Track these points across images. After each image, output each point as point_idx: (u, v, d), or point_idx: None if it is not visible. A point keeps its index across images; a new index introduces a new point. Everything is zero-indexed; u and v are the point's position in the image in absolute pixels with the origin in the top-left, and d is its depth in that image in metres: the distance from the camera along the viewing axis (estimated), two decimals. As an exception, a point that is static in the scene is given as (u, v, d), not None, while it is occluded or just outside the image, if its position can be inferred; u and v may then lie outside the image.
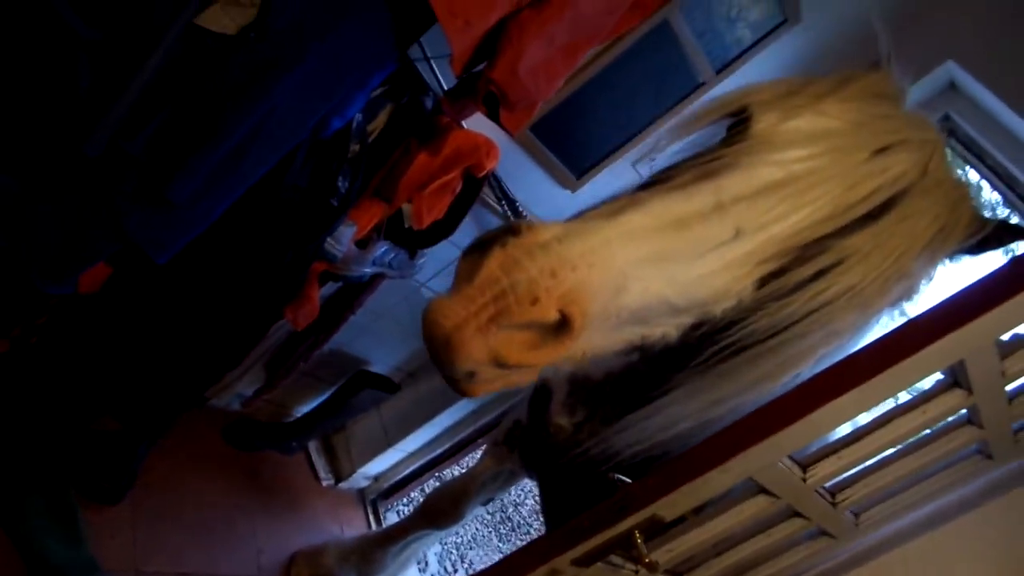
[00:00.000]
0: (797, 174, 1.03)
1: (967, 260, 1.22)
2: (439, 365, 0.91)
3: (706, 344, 1.07)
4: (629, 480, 1.40)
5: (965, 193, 1.12)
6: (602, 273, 0.91)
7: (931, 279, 1.21)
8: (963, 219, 1.10)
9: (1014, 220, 2.91)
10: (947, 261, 1.18)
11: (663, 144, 1.21)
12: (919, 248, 1.07)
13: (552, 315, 0.87)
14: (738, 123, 1.12)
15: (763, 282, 1.04)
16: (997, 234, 1.14)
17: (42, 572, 2.15)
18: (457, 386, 0.94)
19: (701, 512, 1.58)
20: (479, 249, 0.91)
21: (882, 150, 1.07)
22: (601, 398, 1.59)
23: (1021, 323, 1.19)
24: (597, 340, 0.98)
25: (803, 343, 1.07)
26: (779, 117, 1.08)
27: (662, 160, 1.19)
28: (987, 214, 1.16)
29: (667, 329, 1.05)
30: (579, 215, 1.02)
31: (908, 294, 1.22)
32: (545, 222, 0.95)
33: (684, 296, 1.01)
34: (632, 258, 0.94)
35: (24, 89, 1.42)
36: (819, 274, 1.03)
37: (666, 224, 0.98)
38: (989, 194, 2.90)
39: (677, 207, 1.00)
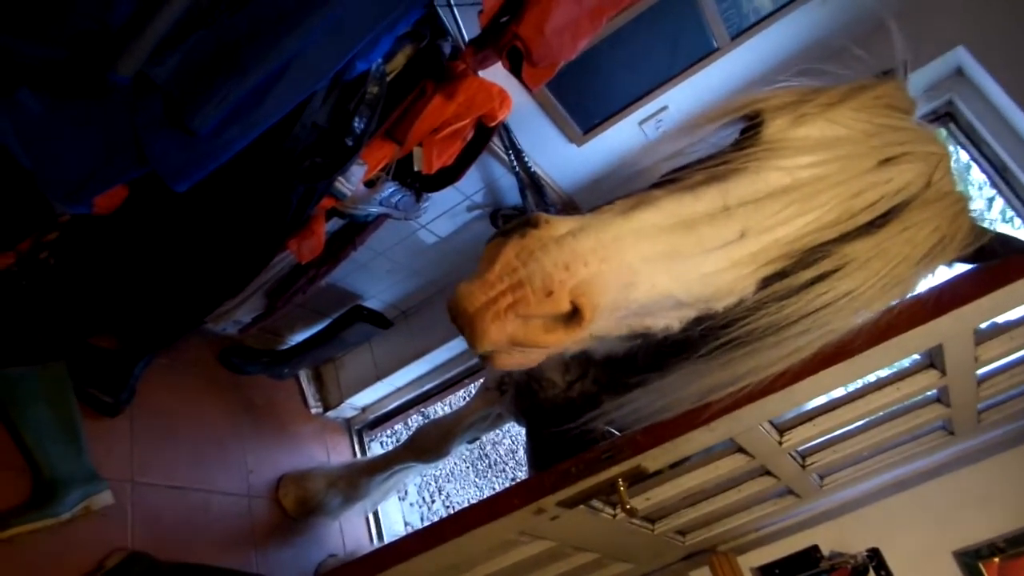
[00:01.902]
0: (803, 180, 1.07)
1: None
2: (466, 341, 0.99)
3: (707, 338, 1.12)
4: (617, 431, 1.49)
5: (965, 206, 1.16)
6: (613, 268, 0.96)
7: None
8: (961, 231, 1.14)
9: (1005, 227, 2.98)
10: (944, 267, 1.23)
11: (686, 145, 1.23)
12: (918, 257, 1.11)
13: (565, 306, 0.94)
14: (749, 127, 1.15)
15: (765, 283, 1.08)
16: (993, 246, 1.17)
17: (45, 479, 2.24)
18: (482, 360, 1.02)
19: (678, 466, 1.68)
20: (502, 237, 0.98)
21: (888, 160, 1.10)
22: (596, 361, 1.66)
23: (1001, 313, 1.28)
24: (603, 327, 1.04)
25: (800, 341, 1.12)
26: (790, 123, 1.11)
27: (671, 147, 1.23)
28: (985, 225, 1.20)
29: (670, 321, 1.11)
30: (594, 210, 1.06)
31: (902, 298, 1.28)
32: (562, 217, 1.00)
33: (689, 292, 1.06)
34: (642, 255, 0.99)
35: (55, 9, 1.42)
36: (820, 278, 1.07)
37: (675, 223, 1.02)
38: (978, 176, 2.95)
39: (686, 208, 1.04)
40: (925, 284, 1.20)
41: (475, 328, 0.95)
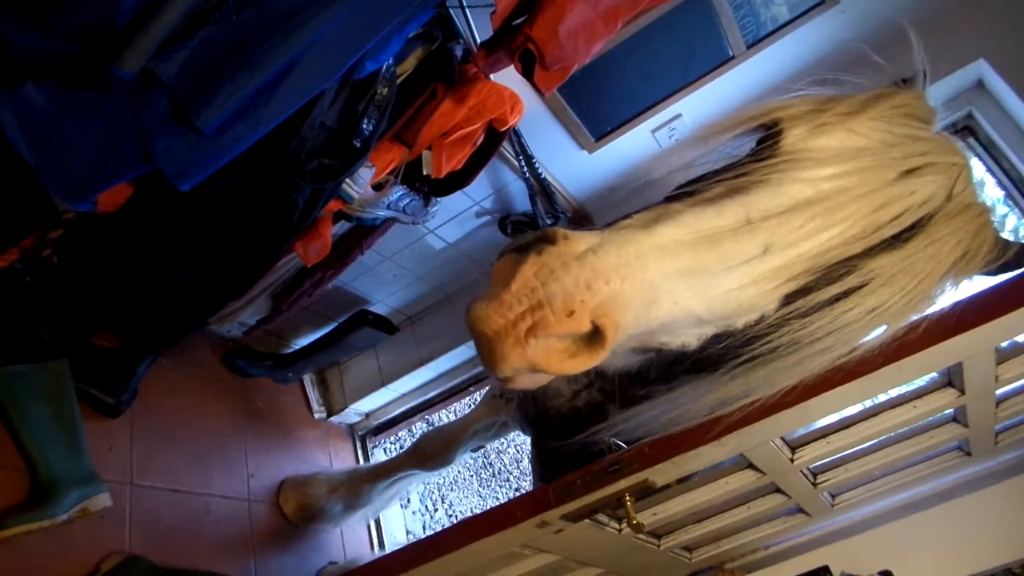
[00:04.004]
0: (826, 193, 1.04)
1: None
2: (484, 364, 0.96)
3: (726, 356, 1.09)
4: (624, 444, 1.45)
5: (988, 219, 1.13)
6: (635, 287, 0.93)
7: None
8: (985, 244, 1.11)
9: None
10: (967, 281, 1.20)
11: (691, 144, 1.20)
12: (942, 272, 1.08)
13: (586, 327, 0.90)
14: (767, 137, 1.12)
15: (788, 299, 1.06)
16: (1017, 259, 1.14)
17: (43, 480, 2.21)
18: (500, 381, 0.98)
19: (685, 481, 1.65)
20: (516, 252, 0.94)
21: (910, 172, 1.07)
22: (602, 371, 1.63)
23: (1024, 332, 1.24)
24: (620, 345, 1.00)
25: (821, 359, 1.09)
26: (809, 133, 1.08)
27: (686, 156, 1.19)
28: (1009, 237, 1.17)
29: (688, 339, 1.08)
30: (613, 224, 1.03)
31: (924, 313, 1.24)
32: (580, 232, 0.96)
33: (711, 309, 1.02)
34: (664, 272, 0.96)
35: (60, 3, 1.40)
36: (844, 294, 1.04)
37: (698, 239, 0.99)
38: (994, 191, 2.90)
39: (709, 222, 1.00)
40: (946, 299, 1.16)
41: (494, 353, 0.91)
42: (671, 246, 0.97)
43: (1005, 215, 3.08)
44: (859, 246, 1.04)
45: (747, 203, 1.03)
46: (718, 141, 1.16)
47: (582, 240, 0.94)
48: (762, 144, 1.12)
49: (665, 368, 1.23)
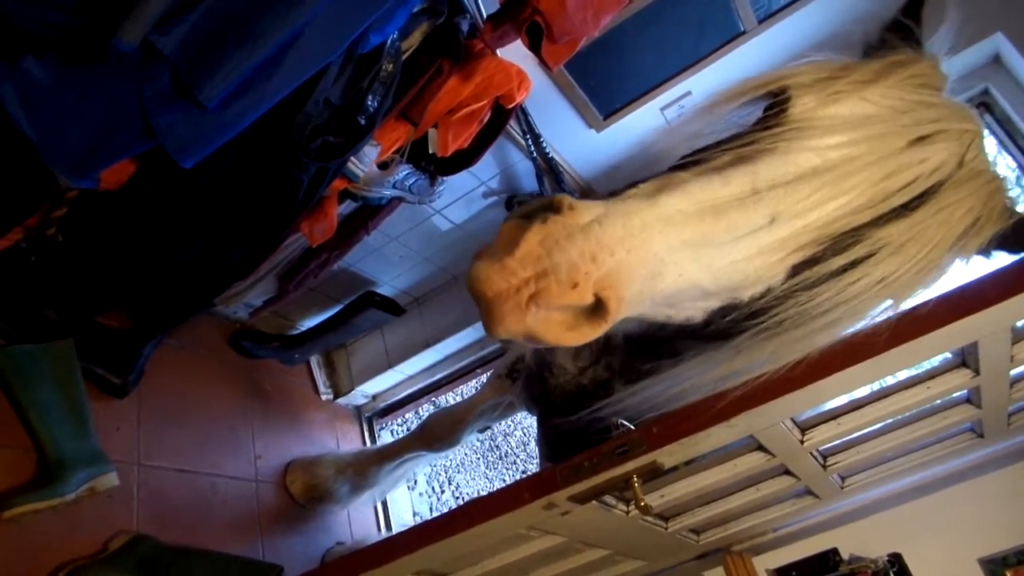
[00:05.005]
0: (834, 161, 1.01)
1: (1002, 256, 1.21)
2: (482, 323, 0.94)
3: (732, 328, 1.07)
4: (631, 425, 1.44)
5: (999, 186, 1.10)
6: (640, 258, 0.91)
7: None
8: (996, 211, 1.08)
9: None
10: (982, 257, 1.17)
11: (697, 115, 1.17)
12: (952, 240, 1.05)
13: (589, 299, 0.89)
14: (775, 104, 1.09)
15: (795, 270, 1.04)
16: (1016, 233, 1.11)
17: (50, 459, 2.22)
18: (497, 340, 0.97)
19: (692, 463, 1.63)
20: (522, 218, 0.92)
21: (921, 139, 1.04)
22: (608, 347, 1.61)
23: (1042, 311, 1.20)
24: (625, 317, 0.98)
25: (829, 332, 1.07)
26: (818, 101, 1.05)
27: (692, 126, 1.17)
28: (1021, 208, 1.14)
29: (693, 312, 1.06)
30: (618, 193, 1.00)
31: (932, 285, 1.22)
32: (585, 202, 0.94)
33: (716, 281, 1.00)
34: (669, 243, 0.94)
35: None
36: (852, 264, 1.02)
37: (703, 210, 0.97)
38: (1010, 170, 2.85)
39: (715, 192, 0.98)
40: (957, 273, 1.13)
41: (493, 315, 0.90)
42: (676, 217, 0.95)
43: (1021, 194, 3.03)
44: (867, 215, 1.01)
45: (753, 172, 1.00)
46: (725, 110, 1.13)
47: (587, 210, 0.91)
48: (770, 111, 1.09)
49: (670, 341, 1.21)
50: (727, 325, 1.07)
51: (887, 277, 1.02)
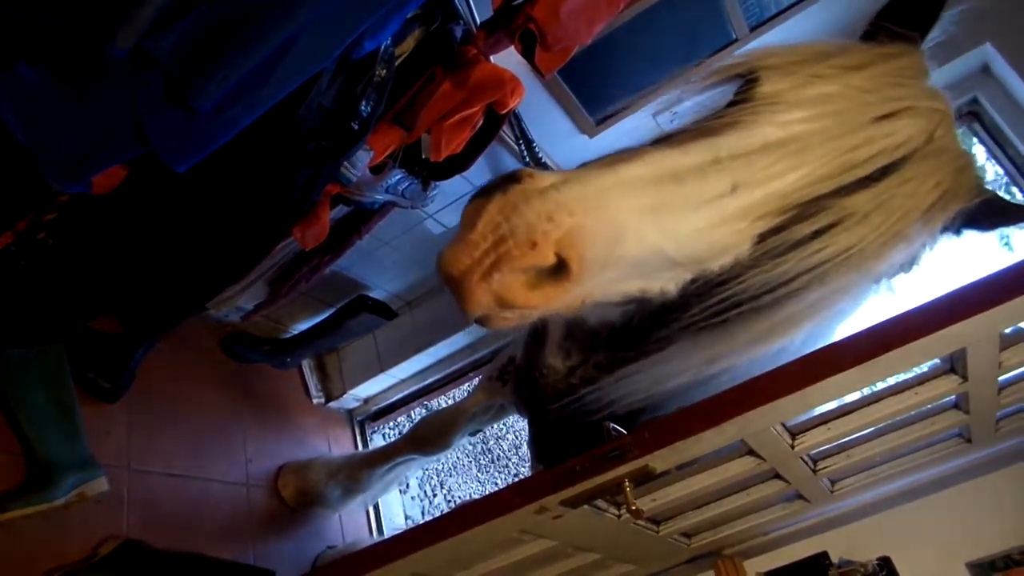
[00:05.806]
0: (797, 134, 1.03)
1: (973, 237, 1.22)
2: (458, 306, 0.95)
3: (702, 299, 1.08)
4: (623, 430, 1.44)
5: (969, 162, 1.11)
6: (598, 220, 0.91)
7: (931, 248, 1.21)
8: (964, 187, 1.10)
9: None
10: (952, 235, 1.17)
11: (683, 99, 1.20)
12: (920, 212, 1.06)
13: (550, 258, 0.89)
14: (744, 85, 1.11)
15: (761, 239, 1.04)
16: (984, 209, 1.13)
17: (40, 464, 2.21)
18: (477, 323, 0.98)
19: (684, 467, 1.64)
20: (483, 196, 0.93)
21: (888, 116, 1.06)
22: (596, 345, 1.62)
23: (1028, 318, 1.22)
24: (596, 289, 0.99)
25: (798, 304, 1.08)
26: (787, 83, 1.07)
27: (680, 117, 1.19)
28: (989, 187, 1.15)
29: (665, 284, 1.06)
30: (581, 166, 1.02)
31: (909, 263, 1.23)
32: (546, 171, 0.96)
33: (680, 249, 1.01)
34: (628, 207, 0.95)
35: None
36: (817, 233, 1.03)
37: (663, 176, 0.98)
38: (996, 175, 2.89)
39: (673, 160, 0.99)
40: (928, 248, 1.16)
41: (462, 292, 0.92)
42: (635, 182, 0.96)
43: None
44: (831, 184, 1.03)
45: (715, 144, 1.02)
46: (699, 89, 1.17)
47: (546, 177, 0.93)
48: (739, 92, 1.11)
49: (653, 331, 1.21)
50: (696, 294, 1.08)
51: (853, 246, 1.03)
